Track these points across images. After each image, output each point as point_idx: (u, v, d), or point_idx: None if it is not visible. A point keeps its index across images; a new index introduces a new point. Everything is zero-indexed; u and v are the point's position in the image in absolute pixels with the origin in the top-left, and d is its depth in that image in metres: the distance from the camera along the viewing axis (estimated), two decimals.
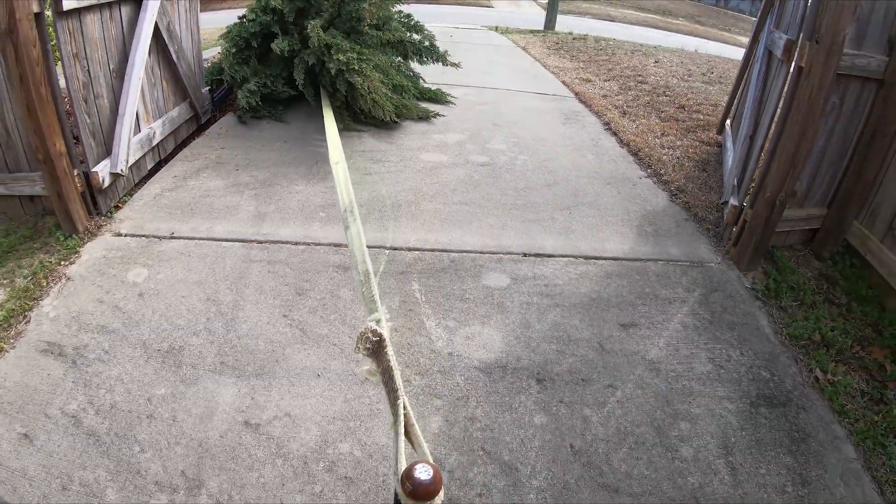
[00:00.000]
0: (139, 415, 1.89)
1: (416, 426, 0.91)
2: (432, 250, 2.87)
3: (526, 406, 2.02)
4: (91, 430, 1.82)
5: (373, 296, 1.07)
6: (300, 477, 1.72)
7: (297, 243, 2.86)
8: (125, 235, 2.85)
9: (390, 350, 0.96)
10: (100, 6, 2.79)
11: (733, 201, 3.04)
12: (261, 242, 2.84)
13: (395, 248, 2.87)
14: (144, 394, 1.96)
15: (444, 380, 2.10)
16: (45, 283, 2.47)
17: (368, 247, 2.82)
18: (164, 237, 2.84)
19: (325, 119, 1.81)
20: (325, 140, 4.21)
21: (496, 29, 10.26)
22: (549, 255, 2.90)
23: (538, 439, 1.89)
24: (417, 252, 2.85)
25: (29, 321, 2.26)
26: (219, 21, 10.70)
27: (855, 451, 1.98)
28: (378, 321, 1.01)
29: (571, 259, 2.88)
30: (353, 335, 2.29)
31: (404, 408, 0.91)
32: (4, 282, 2.48)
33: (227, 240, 2.85)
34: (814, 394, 2.22)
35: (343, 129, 4.05)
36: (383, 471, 1.75)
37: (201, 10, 4.26)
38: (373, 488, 1.70)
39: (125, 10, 3.05)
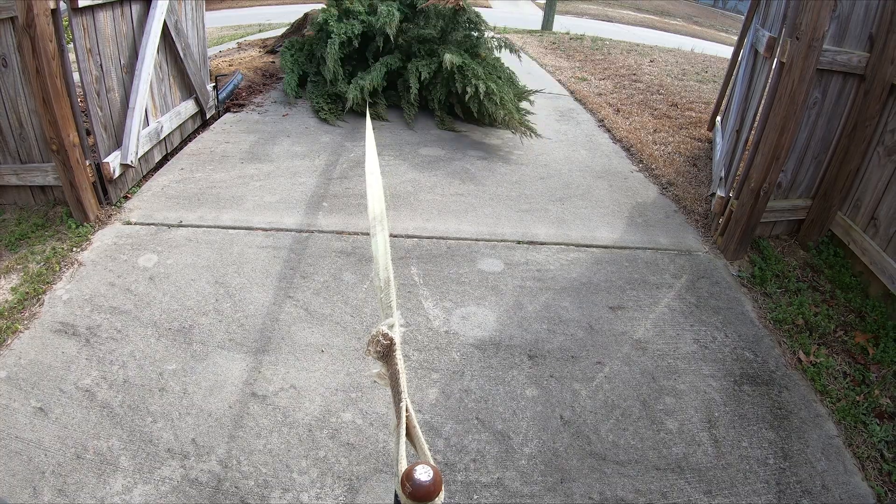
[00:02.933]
0: (151, 388, 1.99)
1: (418, 428, 0.91)
2: (430, 237, 2.98)
3: (518, 380, 2.12)
4: (105, 403, 1.92)
5: (390, 302, 1.06)
6: (305, 443, 1.82)
7: (301, 231, 2.97)
8: (135, 224, 2.95)
9: (399, 354, 0.96)
10: (112, 4, 2.90)
11: (720, 192, 3.15)
12: (266, 230, 2.95)
13: (394, 236, 2.97)
14: (156, 369, 2.07)
15: (441, 355, 2.21)
16: (57, 269, 2.57)
17: (363, 234, 2.94)
18: (173, 225, 2.94)
19: (367, 129, 1.84)
20: (327, 134, 4.33)
21: (494, 28, 10.37)
22: (542, 243, 3.01)
23: (530, 410, 2.00)
24: (415, 239, 2.96)
25: (43, 303, 2.36)
26: (220, 21, 10.83)
27: (836, 429, 2.07)
28: (391, 326, 0.99)
29: (563, 246, 2.99)
30: (354, 315, 2.40)
31: (407, 410, 0.91)
32: (18, 267, 2.58)
33: (233, 227, 2.96)
34: (796, 374, 2.31)
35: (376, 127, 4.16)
36: (383, 437, 1.85)
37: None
38: (373, 453, 1.80)
39: (135, 8, 3.16)
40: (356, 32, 4.44)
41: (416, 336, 2.30)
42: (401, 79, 4.59)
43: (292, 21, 7.63)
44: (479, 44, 4.65)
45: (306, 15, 7.06)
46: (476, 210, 3.29)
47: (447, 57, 4.12)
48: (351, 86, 4.35)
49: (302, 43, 5.05)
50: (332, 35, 4.36)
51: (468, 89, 4.08)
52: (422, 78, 4.30)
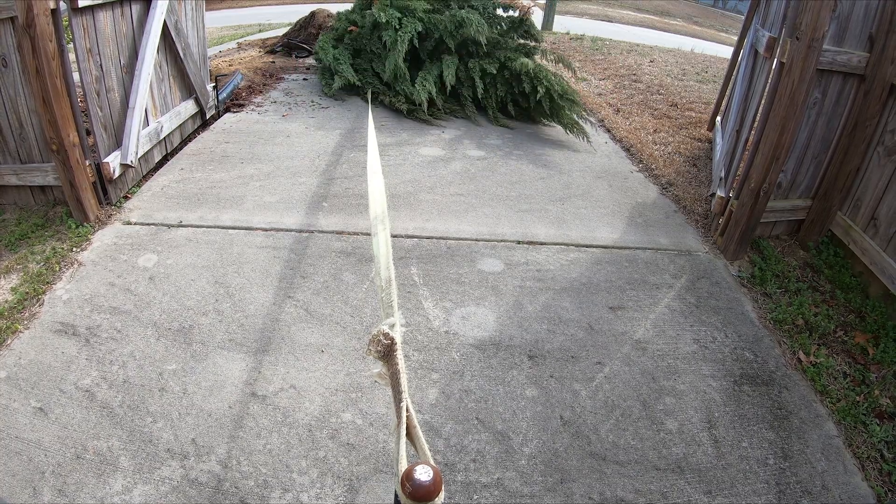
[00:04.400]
0: (151, 388, 1.99)
1: (419, 428, 0.92)
2: (430, 238, 2.98)
3: (518, 380, 2.12)
4: (104, 403, 1.92)
5: (391, 302, 1.06)
6: (305, 444, 1.82)
7: (301, 231, 2.97)
8: (135, 224, 2.95)
9: (400, 354, 0.97)
10: (112, 4, 2.90)
11: (720, 193, 3.15)
12: (266, 230, 2.95)
13: (394, 236, 2.97)
14: (156, 369, 2.07)
15: (441, 355, 2.21)
16: (57, 269, 2.57)
17: (363, 234, 2.94)
18: (173, 225, 2.95)
19: (369, 127, 1.84)
20: (327, 134, 4.33)
21: None
22: (542, 243, 3.01)
23: (530, 410, 2.00)
24: (415, 239, 2.96)
25: (43, 304, 2.36)
26: (220, 21, 10.83)
27: (836, 429, 2.07)
28: (392, 326, 0.99)
29: (563, 247, 3.00)
30: (354, 315, 2.40)
31: (407, 410, 0.91)
32: (18, 267, 2.58)
33: (233, 227, 2.96)
34: (796, 374, 2.31)
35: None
36: (383, 437, 1.85)
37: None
38: (373, 453, 1.80)
39: (135, 8, 3.16)
40: (418, 30, 4.62)
41: (416, 336, 2.30)
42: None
43: (293, 21, 7.64)
44: (533, 51, 4.98)
45: (313, 13, 7.08)
46: (476, 210, 3.30)
47: (522, 60, 4.50)
48: (417, 87, 4.52)
49: (339, 35, 5.20)
50: (399, 33, 4.55)
51: (539, 89, 4.35)
52: (485, 78, 4.62)
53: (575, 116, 4.41)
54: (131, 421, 1.86)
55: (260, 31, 9.19)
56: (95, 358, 2.10)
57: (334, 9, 7.37)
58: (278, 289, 2.51)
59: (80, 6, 2.60)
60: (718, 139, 4.10)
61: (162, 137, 3.59)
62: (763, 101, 2.92)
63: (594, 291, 2.65)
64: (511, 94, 4.72)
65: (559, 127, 4.60)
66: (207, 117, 4.37)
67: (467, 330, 2.35)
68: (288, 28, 7.64)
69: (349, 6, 5.55)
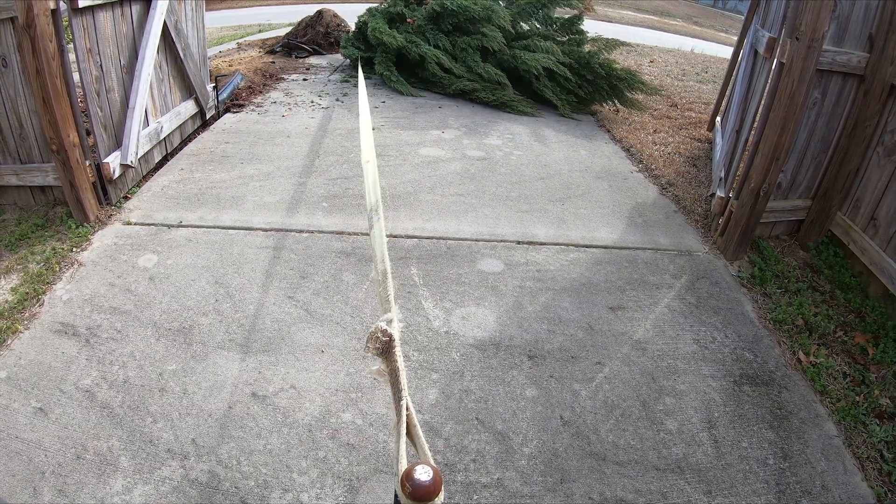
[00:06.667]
0: (151, 389, 1.99)
1: (419, 427, 0.91)
2: (430, 238, 2.98)
3: (518, 380, 2.12)
4: (105, 404, 1.92)
5: (388, 296, 1.05)
6: (305, 444, 1.82)
7: (301, 231, 2.97)
8: (135, 224, 2.95)
9: (399, 350, 0.96)
10: (112, 4, 2.90)
11: (720, 193, 3.15)
12: (266, 230, 2.95)
13: (395, 236, 2.98)
14: (156, 369, 2.07)
15: (441, 356, 2.21)
16: (57, 269, 2.57)
17: (363, 234, 2.94)
18: (173, 225, 2.95)
19: (360, 119, 1.83)
20: (327, 134, 4.33)
21: None
22: (542, 243, 3.01)
23: (529, 411, 2.00)
24: (415, 239, 2.96)
25: (43, 304, 2.36)
26: (220, 21, 10.83)
27: (836, 429, 2.06)
28: (390, 322, 0.99)
29: (563, 247, 3.00)
30: (354, 315, 2.40)
31: (407, 408, 0.91)
32: (18, 267, 2.58)
33: (233, 228, 2.96)
34: (796, 374, 2.31)
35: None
36: (383, 437, 1.85)
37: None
38: (373, 454, 1.80)
39: (135, 9, 3.16)
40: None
41: (416, 336, 2.30)
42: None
43: (293, 21, 7.64)
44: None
45: (320, 12, 7.12)
46: (476, 210, 3.30)
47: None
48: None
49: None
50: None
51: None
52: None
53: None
54: (131, 421, 1.86)
55: (260, 31, 9.19)
56: (95, 358, 2.10)
57: (337, 9, 7.38)
58: (278, 289, 2.51)
59: (80, 6, 2.60)
60: (718, 139, 4.10)
61: (162, 138, 3.59)
62: (763, 102, 2.92)
63: (594, 291, 2.65)
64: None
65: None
66: (207, 117, 4.37)
67: (467, 330, 2.35)
68: (289, 28, 7.64)
69: (350, 6, 5.57)
